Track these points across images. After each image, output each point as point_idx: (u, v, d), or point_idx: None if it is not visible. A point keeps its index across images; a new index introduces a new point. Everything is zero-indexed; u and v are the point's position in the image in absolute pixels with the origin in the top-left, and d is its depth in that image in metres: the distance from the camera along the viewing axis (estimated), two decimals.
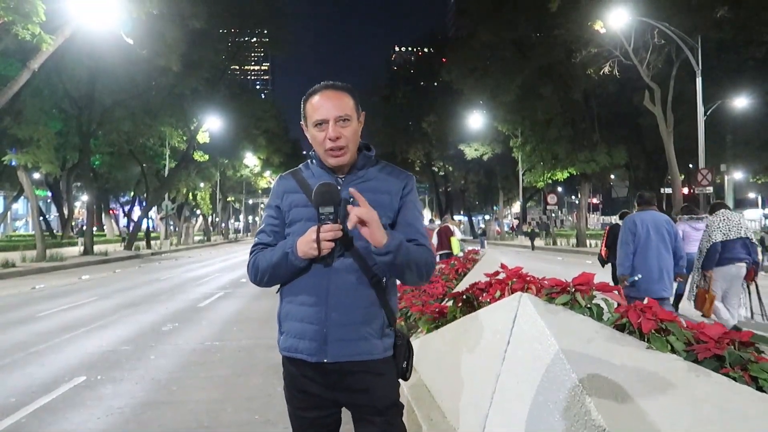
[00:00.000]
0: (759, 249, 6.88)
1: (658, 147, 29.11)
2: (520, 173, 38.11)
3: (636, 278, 5.42)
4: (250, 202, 77.28)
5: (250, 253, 1.93)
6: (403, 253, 1.73)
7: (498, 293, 3.12)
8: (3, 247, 28.20)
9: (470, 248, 10.70)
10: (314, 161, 1.94)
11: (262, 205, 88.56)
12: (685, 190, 29.83)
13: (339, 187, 1.80)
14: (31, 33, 16.04)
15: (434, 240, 14.06)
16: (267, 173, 62.86)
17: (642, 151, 38.12)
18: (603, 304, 2.39)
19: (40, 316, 9.41)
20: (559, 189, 54.25)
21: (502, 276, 3.27)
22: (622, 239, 5.62)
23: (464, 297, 3.58)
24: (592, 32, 23.21)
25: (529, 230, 37.03)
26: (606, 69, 24.87)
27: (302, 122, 1.91)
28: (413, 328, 5.19)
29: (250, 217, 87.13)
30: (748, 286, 6.72)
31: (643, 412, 1.73)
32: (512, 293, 2.93)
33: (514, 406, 2.16)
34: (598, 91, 31.74)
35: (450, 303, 3.75)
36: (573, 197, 64.28)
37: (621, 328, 2.26)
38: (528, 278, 3.03)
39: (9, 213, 50.07)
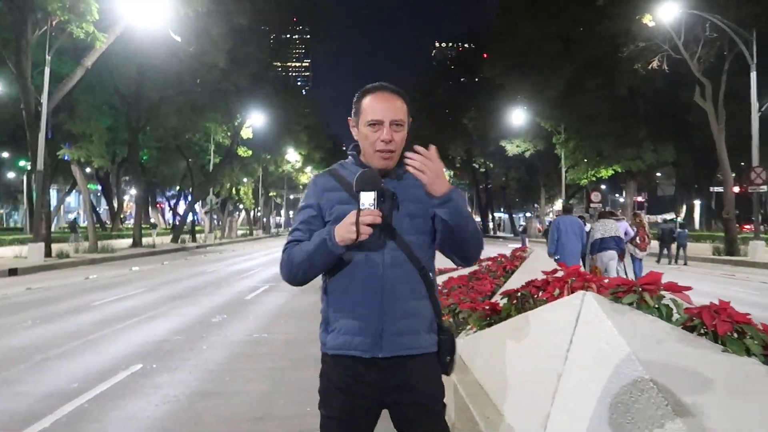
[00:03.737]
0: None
1: (707, 144, 28.15)
2: (563, 170, 37.42)
3: (557, 257, 8.57)
4: (291, 197, 78.21)
5: (283, 251, 1.87)
6: (462, 201, 1.75)
7: (557, 291, 3.08)
8: (57, 238, 29.33)
9: (516, 246, 10.75)
10: (352, 160, 1.94)
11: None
12: (736, 189, 28.73)
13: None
14: (85, 31, 16.61)
15: None
16: (308, 169, 63.53)
17: (690, 149, 36.90)
18: (672, 305, 2.33)
19: (95, 306, 9.75)
20: (603, 187, 53.05)
21: (560, 274, 3.22)
22: (551, 233, 9.30)
23: (519, 294, 3.54)
24: (640, 26, 22.56)
25: None
26: (654, 64, 24.13)
27: (351, 117, 1.91)
28: (462, 325, 5.17)
29: (291, 212, 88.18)
30: (624, 263, 10.47)
31: (722, 417, 1.68)
32: (572, 292, 2.88)
33: (579, 407, 2.12)
34: (645, 86, 30.87)
35: (504, 301, 3.72)
36: (617, 195, 62.75)
37: (691, 329, 2.20)
38: (588, 277, 2.98)
39: (62, 206, 52.06)
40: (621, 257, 9.94)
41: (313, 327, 7.63)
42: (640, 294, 2.34)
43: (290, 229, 1.91)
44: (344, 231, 1.71)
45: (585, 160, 35.44)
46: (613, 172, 34.95)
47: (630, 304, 2.34)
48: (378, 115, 1.80)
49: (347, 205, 1.80)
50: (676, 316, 2.29)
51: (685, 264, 19.51)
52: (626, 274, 10.86)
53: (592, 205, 36.34)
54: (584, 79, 31.38)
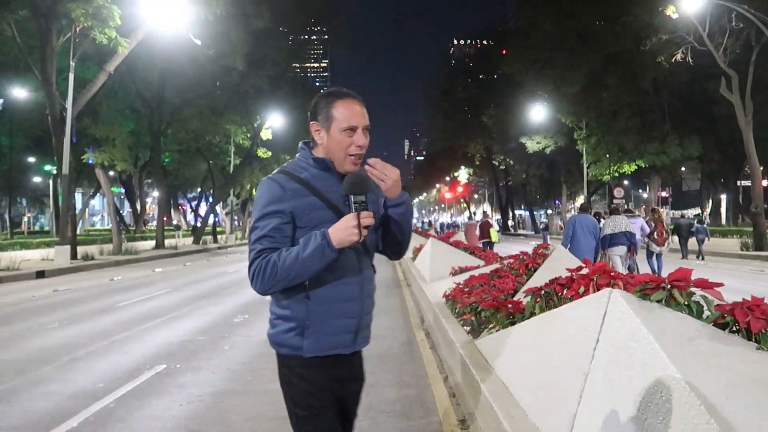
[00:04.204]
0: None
1: (734, 137, 27.59)
2: (585, 166, 36.95)
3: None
4: None
5: (256, 260, 1.80)
6: (410, 204, 1.98)
7: (582, 289, 3.03)
8: (82, 241, 29.83)
9: (537, 243, 10.64)
10: (308, 160, 1.95)
11: None
12: (765, 183, 28.05)
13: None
14: (108, 37, 16.86)
15: (477, 232, 18.57)
16: None
17: (716, 142, 36.18)
18: (702, 302, 2.27)
19: (119, 306, 9.89)
20: (626, 182, 52.29)
21: (585, 271, 3.17)
22: (566, 230, 9.99)
23: (543, 292, 3.49)
24: (663, 18, 22.15)
25: None
26: (678, 56, 23.65)
27: (316, 122, 1.95)
28: (484, 324, 5.13)
29: None
30: (635, 258, 11.08)
31: (755, 418, 1.62)
32: (597, 289, 2.83)
33: (607, 407, 2.08)
34: (668, 79, 30.33)
35: (527, 299, 3.67)
36: (640, 191, 61.81)
37: (722, 326, 2.14)
38: (614, 274, 2.92)
39: (87, 209, 52.98)
40: (632, 252, 10.44)
41: None
42: (669, 291, 2.28)
43: (256, 236, 1.82)
44: (345, 234, 1.75)
45: (607, 156, 34.93)
46: (636, 168, 34.38)
47: (659, 301, 2.28)
48: (353, 121, 1.88)
49: (324, 210, 1.85)
50: (706, 313, 2.23)
51: (702, 259, 19.28)
52: (636, 269, 11.38)
53: (614, 201, 35.85)
54: (605, 74, 30.95)
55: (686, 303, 2.23)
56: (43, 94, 19.92)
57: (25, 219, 55.25)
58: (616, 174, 36.29)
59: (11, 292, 12.56)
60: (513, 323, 3.79)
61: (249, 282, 1.82)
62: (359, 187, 1.77)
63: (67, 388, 4.86)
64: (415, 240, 19.65)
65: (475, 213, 71.24)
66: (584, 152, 36.21)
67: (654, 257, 12.65)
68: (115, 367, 5.62)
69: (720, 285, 2.17)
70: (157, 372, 5.35)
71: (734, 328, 2.06)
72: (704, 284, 2.21)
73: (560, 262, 6.28)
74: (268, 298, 1.95)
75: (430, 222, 57.17)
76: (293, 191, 1.86)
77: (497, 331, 4.31)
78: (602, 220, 12.18)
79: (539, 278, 5.87)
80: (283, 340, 1.89)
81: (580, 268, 3.29)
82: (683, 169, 51.67)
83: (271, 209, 1.83)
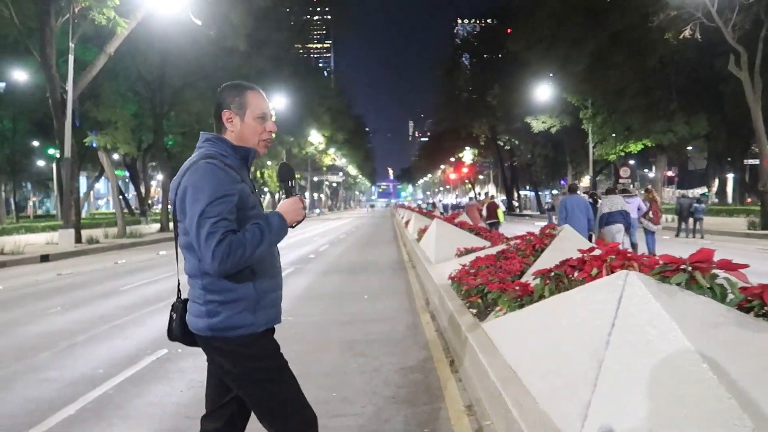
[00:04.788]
0: None
1: (741, 115, 27.12)
2: (590, 146, 36.59)
3: None
4: (315, 179, 78.39)
5: (222, 240, 1.82)
6: None
7: (595, 271, 2.89)
8: (87, 224, 29.84)
9: (543, 224, 10.65)
10: (226, 149, 2.02)
11: (327, 182, 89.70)
12: None
13: None
14: (106, 17, 16.61)
15: (484, 212, 18.92)
16: (331, 150, 63.47)
17: (723, 121, 35.70)
18: (726, 284, 2.13)
19: (123, 290, 9.84)
20: (632, 162, 51.83)
21: (597, 252, 3.02)
22: (560, 212, 10.33)
23: (553, 274, 3.36)
24: None
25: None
26: (686, 33, 23.17)
27: (229, 110, 2.03)
28: (491, 306, 5.01)
29: (316, 195, 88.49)
30: (629, 234, 11.15)
31: None
32: (611, 271, 2.69)
33: (624, 396, 1.95)
34: (676, 57, 29.81)
35: (536, 281, 3.54)
36: (646, 170, 61.30)
37: (746, 310, 2.01)
38: (629, 254, 2.78)
39: (92, 192, 52.99)
40: (627, 229, 10.80)
41: (339, 309, 7.58)
42: (691, 273, 2.14)
43: (214, 219, 1.83)
44: (294, 215, 2.00)
45: (613, 135, 34.56)
46: (642, 147, 34.04)
47: (678, 284, 2.14)
48: (266, 109, 2.07)
49: (253, 195, 2.02)
50: (730, 296, 2.09)
51: (702, 238, 19.37)
52: (634, 245, 11.84)
53: (620, 180, 35.53)
54: (612, 52, 30.45)
55: (709, 286, 2.09)
56: (44, 77, 19.72)
57: (31, 203, 55.34)
58: (623, 153, 35.95)
59: (15, 276, 12.53)
60: (521, 306, 3.67)
61: (208, 263, 1.83)
62: (291, 173, 2.08)
63: (66, 375, 4.78)
64: (419, 221, 19.51)
65: (479, 194, 70.92)
66: (590, 131, 35.83)
67: (649, 236, 12.90)
68: (116, 352, 5.55)
69: (745, 266, 2.03)
70: (158, 357, 5.27)
71: (761, 312, 1.93)
72: (728, 266, 2.07)
73: (568, 242, 6.14)
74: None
75: (434, 203, 56.93)
76: (234, 179, 1.94)
77: (504, 314, 4.19)
78: (599, 201, 12.49)
79: (547, 259, 5.73)
80: (237, 321, 1.93)
81: (592, 249, 3.16)
82: (690, 148, 51.14)
83: (222, 192, 1.87)
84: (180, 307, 2.09)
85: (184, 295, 2.12)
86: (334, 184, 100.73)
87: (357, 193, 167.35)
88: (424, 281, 9.39)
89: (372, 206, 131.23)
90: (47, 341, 6.05)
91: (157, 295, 9.07)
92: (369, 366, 4.81)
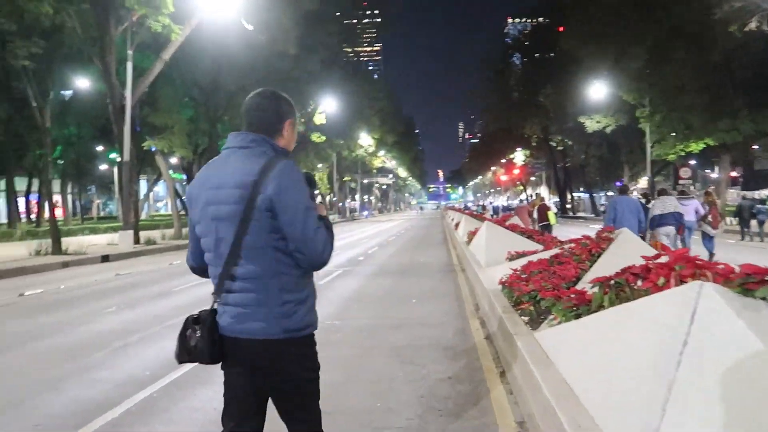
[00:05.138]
0: None
1: None
2: (648, 145, 35.18)
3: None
4: (365, 181, 78.72)
5: (323, 232, 1.95)
6: None
7: (661, 280, 2.63)
8: (145, 226, 30.86)
9: (597, 226, 10.42)
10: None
11: (376, 184, 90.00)
12: None
13: None
14: (161, 24, 17.12)
15: (534, 214, 18.69)
16: (381, 152, 63.59)
17: None
18: None
19: (175, 291, 10.02)
20: (692, 162, 49.63)
21: (664, 259, 2.77)
22: (608, 212, 10.30)
23: (613, 282, 3.11)
24: None
25: None
26: (752, 25, 21.96)
27: (293, 119, 2.16)
28: (544, 314, 4.76)
29: (366, 197, 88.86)
30: (682, 238, 10.93)
31: None
32: (681, 281, 2.44)
33: (700, 426, 1.72)
34: (740, 51, 28.29)
35: (594, 289, 3.29)
36: (708, 171, 58.56)
37: None
38: (700, 262, 2.52)
39: (152, 195, 54.88)
40: (680, 231, 10.63)
41: (388, 313, 7.43)
42: None
43: (312, 213, 1.95)
44: None
45: (673, 134, 33.13)
46: (704, 146, 32.47)
47: (763, 298, 1.89)
48: None
49: None
50: None
51: (761, 241, 18.60)
52: (685, 245, 11.62)
53: (680, 181, 34.07)
54: (670, 47, 29.16)
55: None
56: (105, 84, 20.49)
57: (95, 205, 57.83)
58: (683, 153, 34.43)
59: (77, 276, 13.01)
60: (578, 316, 3.43)
61: (317, 255, 1.90)
62: (313, 182, 2.10)
63: (116, 375, 4.83)
64: (469, 223, 19.18)
65: (530, 196, 69.53)
66: (648, 131, 34.46)
67: (707, 240, 12.49)
68: (165, 353, 5.58)
69: None
70: None
71: None
72: None
73: (627, 247, 5.81)
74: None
75: (483, 206, 56.05)
76: None
77: (559, 323, 3.95)
78: (651, 201, 12.33)
79: (604, 265, 5.42)
80: (308, 320, 1.99)
81: (658, 256, 2.89)
82: (755, 147, 48.58)
83: (307, 190, 2.00)
84: (209, 318, 1.98)
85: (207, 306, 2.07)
86: (384, 187, 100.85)
87: (407, 195, 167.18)
88: (473, 285, 9.15)
89: (421, 208, 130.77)
90: (102, 341, 6.17)
91: (208, 296, 9.16)
92: (416, 374, 4.64)
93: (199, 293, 9.53)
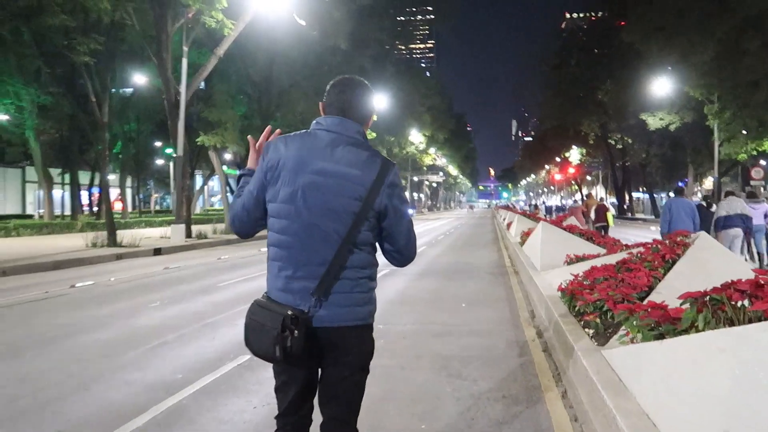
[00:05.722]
0: None
1: None
2: (716, 144, 33.24)
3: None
4: (416, 179, 78.25)
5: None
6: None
7: None
8: (198, 220, 31.42)
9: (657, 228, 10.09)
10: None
11: (427, 182, 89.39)
12: None
13: None
14: (215, 20, 17.21)
15: (592, 215, 18.24)
16: (432, 150, 62.98)
17: None
18: None
19: (220, 287, 9.89)
20: (763, 162, 46.79)
21: None
22: (663, 214, 10.09)
23: (708, 299, 2.58)
24: None
25: None
26: None
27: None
28: (612, 328, 4.23)
29: (416, 194, 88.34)
30: (748, 242, 10.75)
31: None
32: None
33: None
34: None
35: (685, 305, 2.77)
36: None
37: None
38: None
39: (206, 189, 56.12)
40: (747, 234, 10.40)
41: (435, 318, 6.95)
42: None
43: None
44: None
45: (744, 132, 31.19)
46: None
47: None
48: None
49: None
50: None
51: None
52: (760, 255, 11.43)
53: (751, 182, 32.01)
54: (744, 39, 27.37)
55: None
56: (161, 81, 20.83)
57: (153, 198, 59.64)
58: (754, 152, 32.43)
59: (128, 268, 13.14)
60: (660, 335, 2.91)
61: (412, 257, 2.13)
62: None
63: (147, 377, 4.59)
64: (522, 223, 18.48)
65: (587, 195, 67.32)
66: (716, 129, 32.56)
67: None
68: (200, 355, 5.34)
69: None
70: (239, 364, 4.95)
71: None
72: None
73: (708, 254, 5.18)
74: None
75: (535, 205, 54.48)
76: None
77: (632, 341, 3.43)
78: (714, 205, 12.20)
79: (681, 273, 4.83)
80: (375, 306, 2.12)
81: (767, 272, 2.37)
82: None
83: None
84: (308, 320, 1.93)
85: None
86: (434, 184, 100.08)
87: (457, 193, 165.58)
88: (528, 290, 8.60)
89: (471, 207, 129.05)
90: (139, 338, 6.00)
91: (252, 292, 8.93)
92: (465, 391, 4.19)
93: (242, 290, 9.38)
